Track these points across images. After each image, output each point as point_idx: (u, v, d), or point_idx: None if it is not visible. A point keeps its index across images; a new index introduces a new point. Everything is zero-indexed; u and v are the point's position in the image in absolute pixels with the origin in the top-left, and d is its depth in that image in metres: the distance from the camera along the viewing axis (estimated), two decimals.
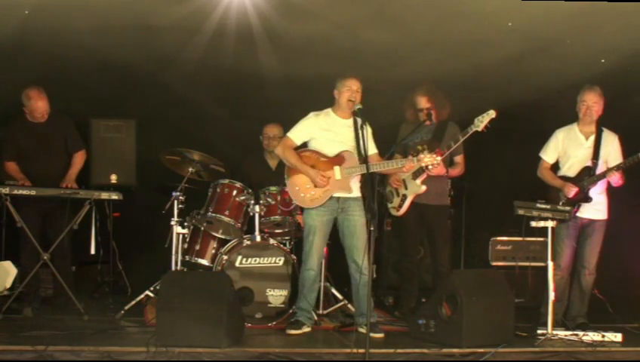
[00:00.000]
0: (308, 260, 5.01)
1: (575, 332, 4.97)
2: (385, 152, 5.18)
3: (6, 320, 4.98)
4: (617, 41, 5.60)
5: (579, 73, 6.01)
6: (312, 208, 5.00)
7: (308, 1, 5.04)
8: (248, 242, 5.35)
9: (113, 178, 6.57)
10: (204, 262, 5.67)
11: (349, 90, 4.98)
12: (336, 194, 5.00)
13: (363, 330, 4.67)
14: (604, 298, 6.10)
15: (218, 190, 5.64)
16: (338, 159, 5.02)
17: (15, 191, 5.14)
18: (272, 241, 5.41)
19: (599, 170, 5.23)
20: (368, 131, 4.92)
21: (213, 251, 5.69)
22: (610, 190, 5.33)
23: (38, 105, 5.55)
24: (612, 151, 5.29)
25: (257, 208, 5.46)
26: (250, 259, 5.30)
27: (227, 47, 5.72)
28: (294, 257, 5.37)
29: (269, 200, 5.55)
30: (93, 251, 6.14)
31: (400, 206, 5.49)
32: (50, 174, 5.59)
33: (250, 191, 5.60)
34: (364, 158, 4.78)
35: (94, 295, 6.42)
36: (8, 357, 3.97)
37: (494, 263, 6.44)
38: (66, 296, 5.34)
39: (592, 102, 5.26)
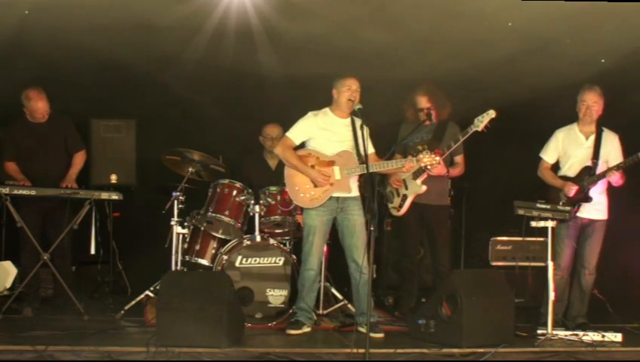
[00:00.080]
0: (308, 260, 5.01)
1: (575, 332, 4.97)
2: (385, 152, 5.18)
3: (6, 320, 4.98)
4: (617, 41, 5.60)
5: (578, 73, 6.01)
6: (312, 208, 5.00)
7: (308, 0, 5.04)
8: (248, 242, 5.35)
9: (113, 178, 6.57)
10: (204, 262, 5.67)
11: (349, 90, 4.98)
12: (335, 194, 5.00)
13: (363, 330, 4.67)
14: (604, 298, 6.11)
15: (218, 190, 5.64)
16: (337, 159, 5.02)
17: (15, 191, 5.15)
18: (272, 241, 5.41)
19: (599, 169, 5.22)
20: (366, 131, 4.92)
21: (213, 251, 5.69)
22: (611, 190, 5.32)
23: (38, 106, 5.55)
24: (612, 150, 5.29)
25: (257, 208, 5.46)
26: (250, 259, 5.30)
27: (227, 47, 5.72)
28: (294, 257, 5.37)
29: (269, 200, 5.55)
30: (93, 251, 6.14)
31: (400, 206, 5.49)
32: (50, 174, 5.59)
33: (250, 191, 5.60)
34: (363, 158, 4.78)
35: (94, 295, 6.42)
36: (8, 357, 3.97)
37: (494, 263, 6.44)
38: (66, 296, 5.33)
39: (591, 102, 5.26)
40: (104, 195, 5.36)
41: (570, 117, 5.41)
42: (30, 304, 5.39)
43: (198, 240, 5.72)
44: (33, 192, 5.21)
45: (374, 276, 6.16)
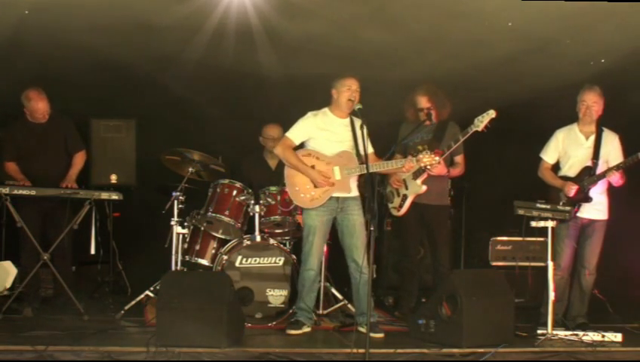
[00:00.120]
0: (308, 260, 5.01)
1: (575, 332, 4.97)
2: (385, 152, 5.18)
3: (6, 320, 4.98)
4: (617, 41, 5.60)
5: (579, 72, 6.02)
6: (312, 208, 5.00)
7: (308, 0, 5.04)
8: (248, 242, 5.35)
9: (113, 178, 6.57)
10: (204, 262, 5.67)
11: (349, 90, 4.98)
12: (335, 194, 5.00)
13: (363, 330, 4.67)
14: (604, 298, 6.11)
15: (218, 190, 5.64)
16: (337, 159, 5.02)
17: (15, 191, 5.15)
18: (272, 241, 5.41)
19: (599, 169, 5.22)
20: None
21: (213, 251, 5.69)
22: (611, 190, 5.32)
23: (39, 107, 5.56)
24: (612, 150, 5.28)
25: (257, 208, 5.46)
26: (250, 259, 5.30)
27: (227, 47, 5.72)
28: (294, 257, 5.37)
29: (269, 200, 5.54)
30: (93, 251, 6.14)
31: (401, 206, 5.49)
32: (50, 174, 5.59)
33: (250, 191, 5.60)
34: (363, 158, 4.78)
35: (94, 295, 6.42)
36: (8, 357, 3.97)
37: (494, 263, 6.44)
38: (66, 296, 5.33)
39: (591, 102, 5.26)
40: (104, 195, 5.36)
41: (570, 117, 5.41)
42: (30, 304, 5.39)
43: (198, 240, 5.72)
44: (33, 192, 5.21)
45: (374, 276, 6.16)
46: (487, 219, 7.11)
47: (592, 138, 5.32)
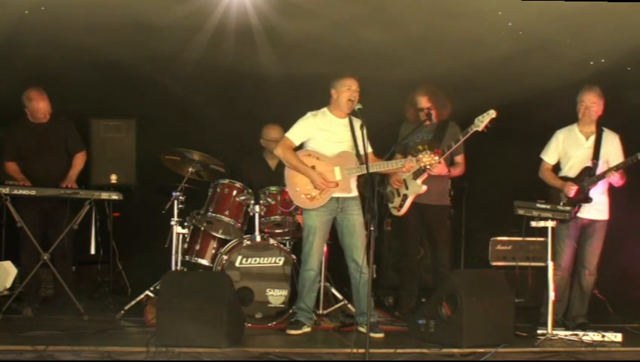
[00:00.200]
0: (308, 260, 5.01)
1: (575, 332, 4.97)
2: (385, 152, 5.18)
3: (6, 320, 4.98)
4: (617, 40, 5.60)
5: (579, 72, 6.02)
6: (312, 209, 5.00)
7: (307, 0, 5.04)
8: (248, 242, 5.35)
9: (113, 178, 6.57)
10: (204, 262, 5.67)
11: (349, 90, 4.98)
12: (335, 195, 5.00)
13: (363, 330, 4.67)
14: (604, 298, 6.11)
15: (218, 190, 5.64)
16: (338, 159, 5.02)
17: (15, 191, 5.15)
18: (272, 241, 5.41)
19: (600, 170, 5.22)
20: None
21: (213, 251, 5.69)
22: (611, 190, 5.32)
23: (40, 106, 5.56)
24: (613, 151, 5.28)
25: (257, 208, 5.46)
26: (250, 259, 5.30)
27: (227, 47, 5.72)
28: (294, 257, 5.37)
29: (269, 200, 5.55)
30: (93, 251, 6.13)
31: (401, 206, 5.49)
32: (50, 174, 5.59)
33: (250, 191, 5.60)
34: (363, 158, 4.78)
35: (94, 295, 6.42)
36: (8, 357, 3.97)
37: (494, 263, 6.44)
38: (66, 296, 5.33)
39: (590, 103, 5.25)
40: (104, 195, 5.36)
41: (570, 117, 5.41)
42: (30, 304, 5.39)
43: (198, 240, 5.72)
44: (33, 192, 5.21)
45: (374, 276, 6.16)
46: (487, 219, 7.11)
47: (593, 138, 5.31)
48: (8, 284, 5.30)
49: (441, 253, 5.54)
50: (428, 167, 5.03)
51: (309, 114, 5.10)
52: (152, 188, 6.35)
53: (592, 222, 5.28)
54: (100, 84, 6.62)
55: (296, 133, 5.06)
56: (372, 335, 4.66)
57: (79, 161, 5.81)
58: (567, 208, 5.09)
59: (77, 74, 6.34)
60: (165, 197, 5.66)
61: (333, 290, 5.75)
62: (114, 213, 6.50)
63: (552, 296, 4.97)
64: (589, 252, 5.28)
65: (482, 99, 6.09)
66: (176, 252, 5.58)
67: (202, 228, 5.70)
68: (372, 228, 4.29)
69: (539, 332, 4.97)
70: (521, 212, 5.11)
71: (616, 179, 5.12)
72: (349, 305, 5.57)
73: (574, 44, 5.67)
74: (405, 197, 5.47)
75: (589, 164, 5.26)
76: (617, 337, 4.94)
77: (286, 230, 5.72)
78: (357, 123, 5.02)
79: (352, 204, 5.03)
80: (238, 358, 4.20)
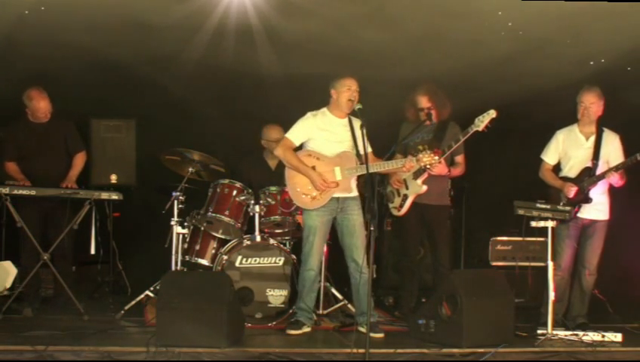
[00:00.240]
0: (308, 260, 5.01)
1: (575, 332, 4.97)
2: (385, 152, 5.18)
3: (6, 320, 4.98)
4: (617, 40, 5.60)
5: (579, 72, 6.02)
6: (313, 209, 4.99)
7: (307, 0, 5.03)
8: (248, 242, 5.35)
9: (113, 178, 6.58)
10: (204, 262, 5.67)
11: (349, 90, 4.98)
12: (336, 195, 5.00)
13: (363, 329, 4.67)
14: (604, 298, 6.11)
15: (218, 190, 5.64)
16: (338, 160, 5.02)
17: (15, 191, 5.15)
18: (272, 241, 5.41)
19: (600, 170, 5.21)
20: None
21: (213, 251, 5.69)
22: (612, 190, 5.32)
23: (40, 106, 5.56)
24: (613, 151, 5.28)
25: (257, 208, 5.46)
26: (250, 259, 5.30)
27: (227, 47, 5.72)
28: (294, 257, 5.37)
29: (269, 200, 5.54)
30: (93, 251, 6.13)
31: (401, 206, 5.49)
32: (50, 174, 5.59)
33: (250, 191, 5.60)
34: (363, 158, 4.78)
35: (94, 295, 6.42)
36: (8, 357, 3.97)
37: (494, 263, 6.44)
38: (66, 296, 5.33)
39: (588, 103, 5.25)
40: (104, 195, 5.36)
41: (570, 117, 5.41)
42: (30, 304, 5.39)
43: (198, 240, 5.72)
44: (33, 192, 5.21)
45: (374, 276, 6.16)
46: (487, 219, 7.11)
47: (593, 139, 5.31)
48: (8, 284, 5.30)
49: (441, 253, 5.54)
50: (428, 166, 5.03)
51: (308, 114, 5.10)
52: (152, 188, 6.35)
53: (593, 222, 5.28)
54: (100, 84, 6.62)
55: (296, 134, 5.06)
56: (372, 335, 4.65)
57: (79, 161, 5.81)
58: (567, 208, 5.09)
59: (77, 74, 6.34)
60: (165, 197, 5.66)
61: (333, 290, 5.75)
62: (114, 213, 6.50)
63: (552, 296, 4.97)
64: (590, 252, 5.28)
65: (482, 99, 6.09)
66: (176, 252, 5.58)
67: (202, 228, 5.70)
68: (372, 228, 4.29)
69: (539, 332, 4.97)
70: (521, 212, 5.11)
71: (615, 179, 5.12)
72: (349, 305, 5.57)
73: (574, 43, 5.67)
74: (405, 197, 5.47)
75: (589, 164, 5.26)
76: (617, 337, 4.94)
77: (286, 230, 5.72)
78: (357, 123, 5.02)
79: (352, 204, 5.03)
80: (238, 358, 4.20)
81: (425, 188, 5.37)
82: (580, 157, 5.32)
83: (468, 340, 4.45)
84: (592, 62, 6.01)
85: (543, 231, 5.06)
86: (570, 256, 5.31)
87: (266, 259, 5.32)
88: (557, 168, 5.49)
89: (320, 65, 5.96)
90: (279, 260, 5.33)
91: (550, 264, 5.02)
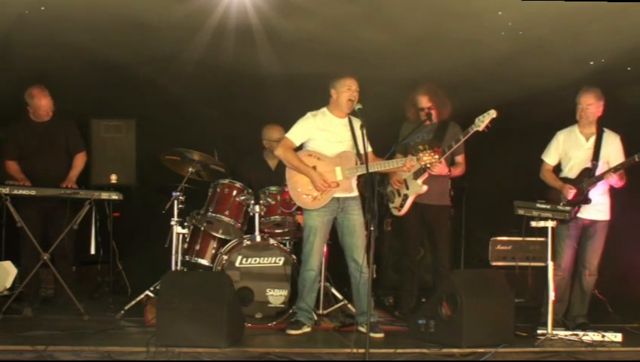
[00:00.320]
0: (309, 261, 5.01)
1: (575, 332, 4.97)
2: (385, 152, 5.18)
3: (6, 320, 4.98)
4: (617, 40, 5.59)
5: (579, 72, 6.02)
6: (314, 209, 4.99)
7: (307, 0, 5.04)
8: (248, 242, 5.35)
9: (113, 178, 6.58)
10: (204, 262, 5.67)
11: (349, 90, 4.98)
12: (337, 195, 5.00)
13: (363, 329, 4.67)
14: (604, 298, 6.11)
15: (218, 190, 5.64)
16: (338, 160, 5.02)
17: (15, 191, 5.15)
18: (272, 241, 5.41)
19: (600, 170, 5.21)
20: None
21: (213, 251, 5.68)
22: (612, 190, 5.32)
23: (42, 103, 5.56)
24: (613, 151, 5.27)
25: (257, 208, 5.46)
26: (250, 259, 5.30)
27: (227, 47, 5.72)
28: (294, 257, 5.37)
29: (269, 200, 5.54)
30: (93, 251, 6.13)
31: (401, 206, 5.49)
32: (50, 174, 5.59)
33: (250, 191, 5.60)
34: (363, 158, 4.78)
35: (94, 295, 6.42)
36: (8, 357, 3.97)
37: (494, 263, 6.44)
38: (66, 296, 5.33)
39: (585, 105, 5.24)
40: (104, 195, 5.36)
41: (571, 117, 5.41)
42: (30, 304, 5.39)
43: (198, 240, 5.72)
44: (33, 192, 5.21)
45: (374, 276, 6.16)
46: (487, 219, 7.11)
47: (593, 139, 5.31)
48: (8, 284, 5.29)
49: (441, 252, 5.54)
50: (428, 165, 5.03)
51: (308, 114, 5.10)
52: (152, 188, 6.35)
53: (593, 222, 5.27)
54: (100, 84, 6.62)
55: (297, 134, 5.06)
56: (372, 335, 4.66)
57: (80, 161, 5.81)
58: (567, 208, 5.09)
59: (77, 74, 6.34)
60: (165, 197, 5.66)
61: (333, 290, 5.75)
62: (114, 213, 6.50)
63: (552, 296, 4.97)
64: (590, 252, 5.28)
65: (482, 98, 6.10)
66: (176, 252, 5.58)
67: (202, 228, 5.70)
68: (372, 228, 4.29)
69: (539, 332, 4.97)
70: (521, 212, 5.11)
71: (614, 180, 5.12)
72: (349, 305, 5.57)
73: (574, 43, 5.66)
74: (406, 197, 5.47)
75: (589, 165, 5.26)
76: (617, 337, 4.94)
77: (286, 230, 5.71)
78: (356, 122, 5.02)
79: (353, 204, 5.03)
80: (238, 358, 4.20)
81: (425, 188, 5.37)
82: (580, 157, 5.32)
83: (468, 340, 4.45)
84: (592, 62, 6.01)
85: (543, 231, 5.06)
86: (571, 256, 5.31)
87: (266, 259, 5.32)
88: (558, 168, 5.49)
89: (320, 65, 5.96)
90: (279, 260, 5.33)
91: (550, 264, 5.02)
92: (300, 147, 5.10)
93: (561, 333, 4.95)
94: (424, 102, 5.49)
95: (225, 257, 5.30)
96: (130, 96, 6.91)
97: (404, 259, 5.78)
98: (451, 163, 5.54)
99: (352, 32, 5.60)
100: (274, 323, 5.18)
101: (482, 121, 5.04)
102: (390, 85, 6.29)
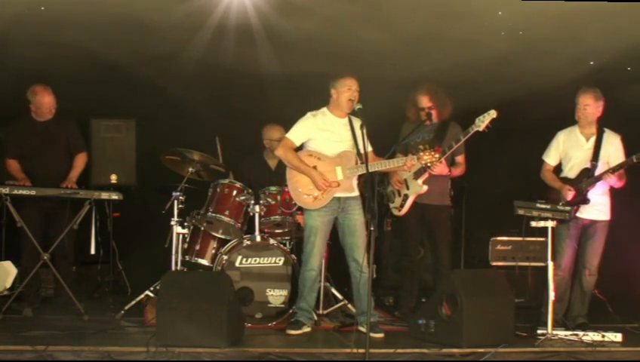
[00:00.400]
0: (309, 261, 5.01)
1: (575, 332, 4.97)
2: (385, 152, 5.18)
3: (6, 320, 4.97)
4: (617, 40, 5.60)
5: (579, 72, 6.03)
6: (314, 209, 4.99)
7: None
8: (248, 242, 5.35)
9: (113, 178, 6.58)
10: (204, 262, 5.66)
11: (349, 90, 4.98)
12: (337, 194, 5.00)
13: (363, 329, 4.67)
14: (604, 298, 6.11)
15: (218, 190, 5.64)
16: (339, 159, 5.02)
17: (15, 192, 5.14)
18: (272, 241, 5.41)
19: (600, 170, 5.20)
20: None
21: (213, 251, 5.68)
22: (613, 190, 5.32)
23: (45, 100, 5.56)
24: (613, 152, 5.27)
25: (257, 208, 5.46)
26: (250, 259, 5.30)
27: (227, 46, 5.73)
28: (294, 257, 5.37)
29: (269, 200, 5.54)
30: (93, 251, 6.13)
31: (402, 206, 5.49)
32: (51, 174, 5.59)
33: (250, 191, 5.60)
34: (364, 158, 4.78)
35: (94, 295, 6.42)
36: (8, 357, 3.97)
37: (494, 263, 6.44)
38: (66, 296, 5.33)
39: (583, 105, 5.24)
40: (104, 195, 5.36)
41: (571, 116, 5.40)
42: (30, 304, 5.38)
43: (198, 240, 5.72)
44: (33, 192, 5.21)
45: (374, 276, 6.16)
46: (487, 219, 7.11)
47: (593, 139, 5.30)
48: (8, 284, 5.29)
49: (441, 252, 5.53)
50: (429, 164, 5.03)
51: (308, 114, 5.09)
52: (152, 188, 6.35)
53: (593, 222, 5.27)
54: (100, 84, 6.62)
55: (297, 134, 5.05)
56: (372, 335, 4.66)
57: (80, 161, 5.80)
58: (567, 208, 5.09)
59: (77, 73, 6.34)
60: (165, 197, 5.66)
61: (333, 290, 5.75)
62: (114, 213, 6.50)
63: (552, 296, 4.97)
64: (590, 252, 5.28)
65: (482, 98, 6.10)
66: (176, 252, 5.58)
67: (202, 228, 5.70)
68: (372, 228, 4.29)
69: (539, 332, 4.97)
70: (521, 212, 5.11)
71: (613, 181, 5.11)
72: (349, 305, 5.57)
73: (574, 43, 5.67)
74: (406, 197, 5.47)
75: (588, 165, 5.26)
76: (617, 337, 4.94)
77: (286, 230, 5.71)
78: (356, 122, 5.02)
79: (354, 204, 5.03)
80: (238, 358, 4.20)
81: (425, 188, 5.37)
82: (580, 158, 5.32)
83: (468, 340, 4.45)
84: (592, 62, 6.02)
85: (543, 231, 5.06)
86: (571, 256, 5.31)
87: (266, 259, 5.32)
88: (559, 168, 5.49)
89: (320, 65, 5.97)
90: (279, 260, 5.33)
91: (550, 264, 5.02)
92: (301, 147, 5.10)
93: (561, 333, 4.95)
94: (424, 102, 5.49)
95: (225, 257, 5.30)
96: (130, 96, 6.91)
97: (404, 259, 5.78)
98: (451, 163, 5.54)
99: (352, 32, 5.61)
100: (274, 323, 5.18)
101: (482, 121, 5.04)
102: (390, 85, 6.29)
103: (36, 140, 5.65)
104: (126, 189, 5.98)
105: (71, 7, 5.14)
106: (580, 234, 5.31)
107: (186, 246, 5.68)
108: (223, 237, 5.69)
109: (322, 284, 5.52)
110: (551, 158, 5.48)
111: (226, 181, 5.66)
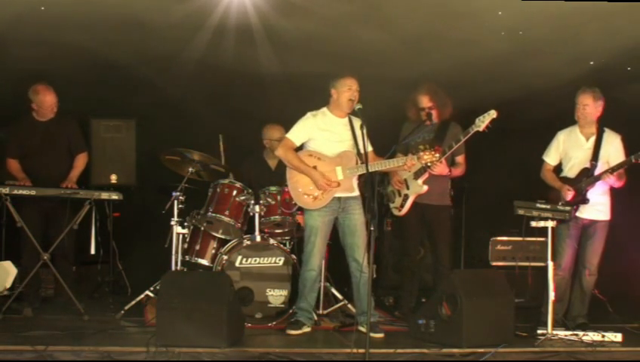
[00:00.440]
0: (310, 261, 5.01)
1: (575, 332, 4.97)
2: (385, 152, 5.18)
3: (6, 320, 4.97)
4: (617, 40, 5.60)
5: (579, 72, 6.03)
6: (315, 209, 4.99)
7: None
8: (248, 242, 5.35)
9: (113, 178, 6.58)
10: (204, 262, 5.66)
11: (350, 90, 4.98)
12: (338, 194, 5.00)
13: (363, 329, 4.67)
14: (604, 298, 6.11)
15: (218, 190, 5.64)
16: (339, 159, 5.02)
17: (15, 191, 5.14)
18: (272, 241, 5.41)
19: (599, 170, 5.21)
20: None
21: (213, 251, 5.68)
22: (613, 190, 5.32)
23: (47, 99, 5.56)
24: (613, 152, 5.27)
25: (257, 208, 5.46)
26: (250, 259, 5.30)
27: (227, 46, 5.72)
28: (294, 257, 5.37)
29: (269, 200, 5.54)
30: (93, 251, 6.13)
31: (402, 206, 5.49)
32: (52, 173, 5.59)
33: (250, 191, 5.60)
34: (364, 158, 4.78)
35: (94, 295, 6.42)
36: (8, 357, 3.97)
37: (494, 263, 6.44)
38: (66, 296, 5.33)
39: (582, 105, 5.24)
40: (104, 195, 5.36)
41: (571, 116, 5.40)
42: (30, 304, 5.38)
43: (198, 240, 5.71)
44: (33, 192, 5.21)
45: (374, 276, 6.16)
46: (487, 219, 7.11)
47: (593, 139, 5.31)
48: (8, 284, 5.29)
49: (441, 252, 5.53)
50: (429, 164, 5.03)
51: (308, 114, 5.09)
52: (152, 188, 6.35)
53: (593, 222, 5.28)
54: (100, 83, 6.62)
55: (297, 134, 5.05)
56: (372, 335, 4.66)
57: (81, 162, 5.80)
58: (567, 208, 5.09)
59: (77, 73, 6.34)
60: (165, 197, 5.66)
61: (333, 290, 5.75)
62: (114, 213, 6.50)
63: (552, 296, 4.97)
64: (590, 252, 5.28)
65: (482, 98, 6.10)
66: (176, 252, 5.58)
67: (202, 228, 5.70)
68: (372, 228, 4.29)
69: (539, 332, 4.97)
70: (521, 212, 5.10)
71: (612, 181, 5.11)
72: (349, 305, 5.57)
73: (574, 43, 5.67)
74: (406, 197, 5.47)
75: (588, 165, 5.26)
76: (617, 337, 4.94)
77: (286, 230, 5.71)
78: (356, 122, 5.02)
79: (354, 204, 5.03)
80: (238, 358, 4.20)
81: (426, 188, 5.37)
82: (580, 157, 5.32)
83: (468, 340, 4.45)
84: (591, 62, 6.02)
85: (543, 231, 5.06)
86: (571, 256, 5.31)
87: (266, 259, 5.32)
88: (559, 168, 5.49)
89: (320, 65, 5.97)
90: (279, 260, 5.33)
91: (550, 264, 5.02)
92: (301, 147, 5.10)
93: (561, 333, 4.95)
94: (425, 102, 5.49)
95: (225, 257, 5.30)
96: (130, 96, 6.91)
97: (404, 259, 5.78)
98: (452, 163, 5.54)
99: (351, 32, 5.61)
100: (274, 323, 5.18)
101: (482, 122, 5.04)
102: (390, 85, 6.29)
103: (37, 140, 5.65)
104: (126, 189, 5.98)
105: (71, 7, 5.14)
106: (579, 234, 5.31)
107: (186, 246, 5.67)
108: (223, 237, 5.69)
109: (322, 284, 5.52)
110: (551, 158, 5.48)
111: (226, 181, 5.66)
